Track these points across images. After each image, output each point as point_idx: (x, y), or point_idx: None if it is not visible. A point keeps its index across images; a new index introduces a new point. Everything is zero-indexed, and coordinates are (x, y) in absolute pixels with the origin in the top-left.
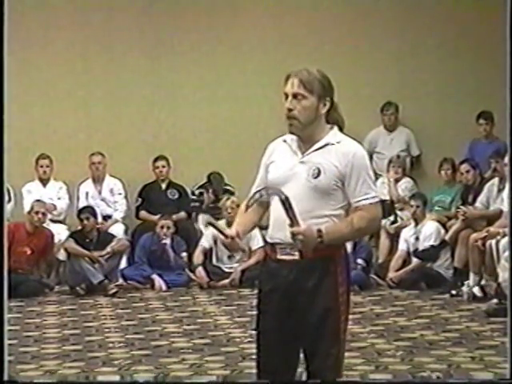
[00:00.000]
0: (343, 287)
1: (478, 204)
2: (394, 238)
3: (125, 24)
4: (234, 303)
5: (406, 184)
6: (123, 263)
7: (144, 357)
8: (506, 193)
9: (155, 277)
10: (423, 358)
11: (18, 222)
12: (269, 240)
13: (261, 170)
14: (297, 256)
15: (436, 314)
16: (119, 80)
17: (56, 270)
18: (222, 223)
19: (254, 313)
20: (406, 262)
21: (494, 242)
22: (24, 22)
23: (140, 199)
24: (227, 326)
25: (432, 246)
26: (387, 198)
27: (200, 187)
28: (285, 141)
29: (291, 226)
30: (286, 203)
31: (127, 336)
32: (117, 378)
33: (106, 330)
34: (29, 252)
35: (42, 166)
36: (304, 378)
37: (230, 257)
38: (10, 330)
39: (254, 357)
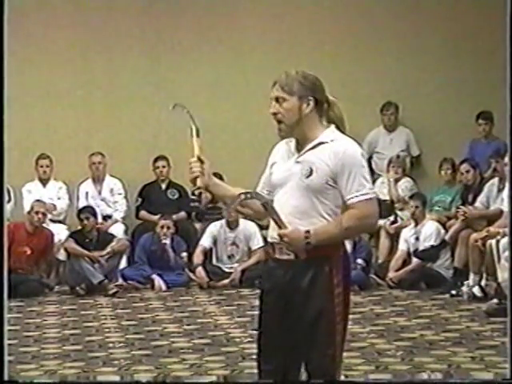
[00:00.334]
0: (339, 288)
1: (477, 204)
2: (394, 238)
3: (125, 24)
4: (234, 303)
5: (405, 184)
6: (123, 263)
7: (144, 357)
8: (505, 193)
9: (155, 277)
10: (423, 357)
11: (18, 222)
12: (268, 239)
13: (266, 171)
14: (292, 256)
15: (436, 313)
16: (119, 80)
17: (56, 270)
18: (222, 223)
19: (254, 313)
20: (406, 262)
21: (494, 241)
22: (24, 22)
23: (140, 199)
24: (227, 326)
25: (432, 246)
26: (387, 198)
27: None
28: (287, 142)
29: (278, 228)
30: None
31: (127, 336)
32: (117, 378)
33: (106, 330)
34: (29, 252)
35: (41, 166)
36: (304, 377)
37: (229, 257)
38: (10, 330)
39: (254, 357)
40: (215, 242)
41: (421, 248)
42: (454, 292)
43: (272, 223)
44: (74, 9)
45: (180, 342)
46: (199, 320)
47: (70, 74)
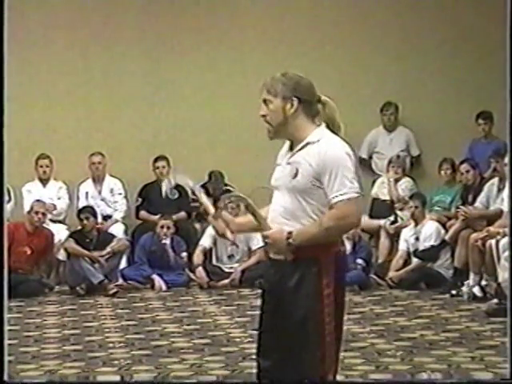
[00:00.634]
0: (329, 289)
1: (477, 204)
2: (394, 238)
3: (125, 24)
4: (234, 303)
5: (405, 184)
6: (123, 263)
7: (144, 357)
8: (505, 193)
9: (155, 277)
10: (423, 357)
11: (18, 221)
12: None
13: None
14: (282, 256)
15: (436, 313)
16: (119, 80)
17: (56, 270)
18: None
19: (254, 313)
20: (406, 262)
21: (493, 241)
22: (24, 21)
23: (140, 199)
24: (227, 326)
25: (432, 246)
26: (387, 198)
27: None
28: (287, 143)
29: (261, 229)
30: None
31: (127, 336)
32: (117, 378)
33: (106, 330)
34: (29, 252)
35: (41, 166)
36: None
37: (229, 257)
38: (10, 330)
39: (254, 357)
40: (215, 242)
41: (421, 248)
42: (454, 292)
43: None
44: (74, 9)
45: (180, 342)
46: (199, 320)
47: (70, 74)
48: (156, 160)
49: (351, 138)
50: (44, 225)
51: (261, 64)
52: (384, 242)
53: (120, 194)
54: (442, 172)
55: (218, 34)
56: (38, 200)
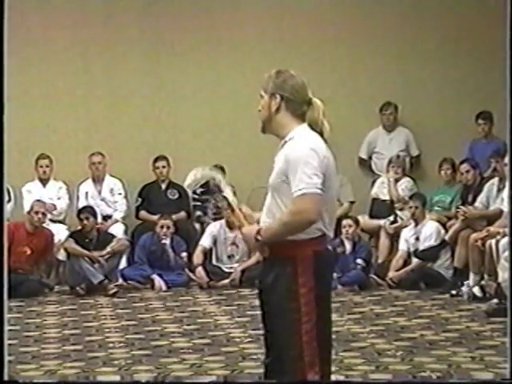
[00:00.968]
0: (306, 288)
1: (477, 204)
2: (394, 238)
3: (125, 24)
4: (234, 303)
5: (405, 184)
6: (123, 263)
7: (144, 357)
8: (505, 193)
9: (155, 277)
10: (423, 357)
11: (18, 221)
12: None
13: None
14: (266, 254)
15: (436, 313)
16: (119, 80)
17: (56, 270)
18: (222, 223)
19: (254, 313)
20: (406, 262)
21: (493, 241)
22: (24, 21)
23: (140, 199)
24: (227, 326)
25: (432, 246)
26: (387, 198)
27: (202, 186)
28: None
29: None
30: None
31: (127, 336)
32: (117, 378)
33: (106, 330)
34: (29, 252)
35: (41, 166)
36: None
37: (229, 257)
38: (10, 330)
39: (254, 357)
40: (215, 242)
41: (421, 248)
42: (454, 292)
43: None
44: (74, 9)
45: (180, 342)
46: (199, 320)
47: (70, 74)
48: (156, 160)
49: (351, 138)
50: (44, 225)
51: (260, 64)
52: (384, 241)
53: (120, 194)
54: (442, 172)
55: (218, 34)
56: (38, 200)
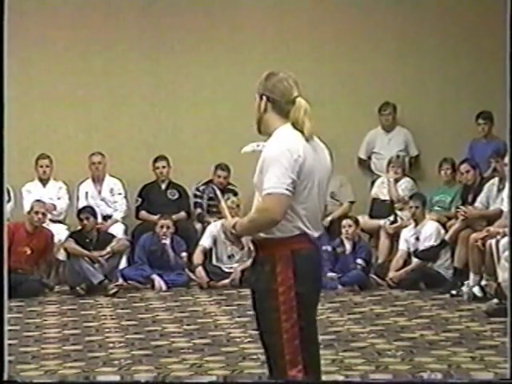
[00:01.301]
0: (284, 286)
1: (477, 204)
2: (394, 238)
3: (125, 24)
4: (234, 303)
5: (405, 184)
6: (123, 263)
7: (144, 357)
8: (505, 193)
9: (155, 277)
10: (423, 357)
11: (18, 221)
12: None
13: None
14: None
15: (436, 313)
16: (119, 80)
17: (56, 270)
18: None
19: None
20: (406, 262)
21: (493, 241)
22: (24, 22)
23: (140, 199)
24: (227, 326)
25: (432, 246)
26: (387, 198)
27: (205, 184)
28: None
29: None
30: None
31: (127, 336)
32: (117, 378)
33: (106, 330)
34: (29, 252)
35: (41, 166)
36: None
37: (229, 257)
38: (10, 330)
39: (253, 357)
40: (215, 241)
41: (421, 248)
42: (454, 292)
43: None
44: (73, 9)
45: (180, 342)
46: (199, 320)
47: (70, 74)
48: (156, 160)
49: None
50: (44, 225)
51: (260, 64)
52: (384, 242)
53: (120, 193)
54: (442, 172)
55: (218, 34)
56: (38, 200)
